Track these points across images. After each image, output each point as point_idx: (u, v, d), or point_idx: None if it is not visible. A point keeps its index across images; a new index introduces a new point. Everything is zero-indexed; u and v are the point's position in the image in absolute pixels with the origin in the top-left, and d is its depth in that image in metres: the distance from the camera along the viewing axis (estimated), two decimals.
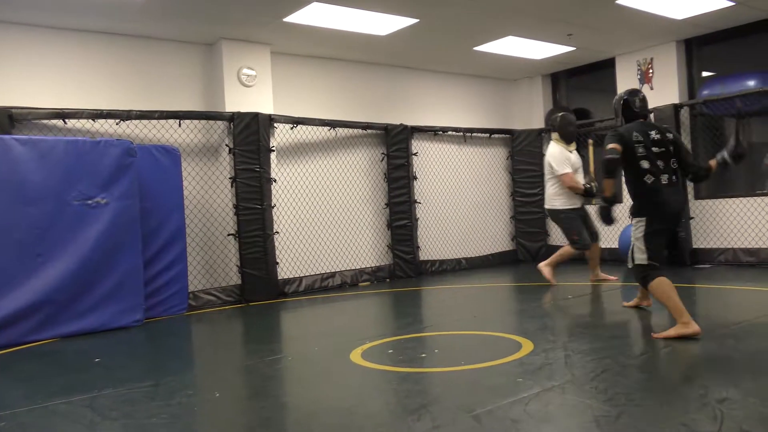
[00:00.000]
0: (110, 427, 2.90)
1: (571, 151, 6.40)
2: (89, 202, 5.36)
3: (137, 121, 6.24)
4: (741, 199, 7.55)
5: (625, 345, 4.00)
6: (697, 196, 7.94)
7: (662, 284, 4.05)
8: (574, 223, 6.33)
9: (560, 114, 6.57)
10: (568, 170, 6.26)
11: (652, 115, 8.00)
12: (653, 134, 4.23)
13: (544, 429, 2.52)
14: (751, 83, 7.24)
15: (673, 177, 4.20)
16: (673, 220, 4.28)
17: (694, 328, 3.92)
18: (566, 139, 6.42)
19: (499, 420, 2.65)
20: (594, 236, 6.45)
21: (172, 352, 4.76)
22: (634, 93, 4.48)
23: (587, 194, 6.24)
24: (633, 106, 4.44)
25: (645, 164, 4.15)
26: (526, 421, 2.62)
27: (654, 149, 4.19)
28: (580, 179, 6.38)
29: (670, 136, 4.29)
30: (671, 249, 4.56)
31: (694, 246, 7.82)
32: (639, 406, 2.76)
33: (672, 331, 3.97)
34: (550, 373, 3.30)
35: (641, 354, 3.77)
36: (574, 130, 6.52)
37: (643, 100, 4.49)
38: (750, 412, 2.55)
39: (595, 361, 3.50)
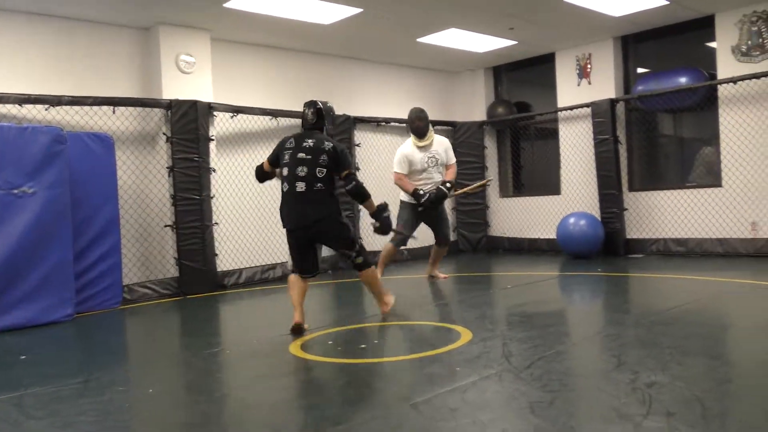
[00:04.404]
0: (36, 426, 2.77)
1: (420, 147, 6.07)
2: (15, 191, 5.10)
3: (68, 107, 5.98)
4: (672, 191, 7.83)
5: (560, 333, 4.09)
6: (631, 189, 8.21)
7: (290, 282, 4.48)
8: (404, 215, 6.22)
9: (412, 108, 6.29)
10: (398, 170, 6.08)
11: (589, 109, 8.23)
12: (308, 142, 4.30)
13: (481, 416, 2.55)
14: (683, 80, 7.50)
15: (311, 186, 4.23)
16: (300, 230, 4.30)
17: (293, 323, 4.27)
18: (416, 134, 6.12)
19: (437, 409, 2.66)
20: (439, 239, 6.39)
21: (104, 348, 4.60)
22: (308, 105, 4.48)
23: (415, 197, 6.02)
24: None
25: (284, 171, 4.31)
26: (464, 409, 2.64)
27: (299, 156, 4.25)
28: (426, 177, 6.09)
29: (325, 146, 4.28)
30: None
31: (628, 236, 8.08)
32: (572, 392, 2.83)
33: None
34: (488, 362, 3.34)
35: (575, 341, 3.87)
36: (420, 126, 6.06)
37: (313, 113, 4.43)
38: (676, 396, 2.64)
39: (531, 348, 3.56)
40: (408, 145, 6.15)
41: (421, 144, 6.05)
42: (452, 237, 9.51)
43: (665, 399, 2.61)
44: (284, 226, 4.40)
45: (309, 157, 4.23)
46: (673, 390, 2.72)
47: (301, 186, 4.20)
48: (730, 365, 3.31)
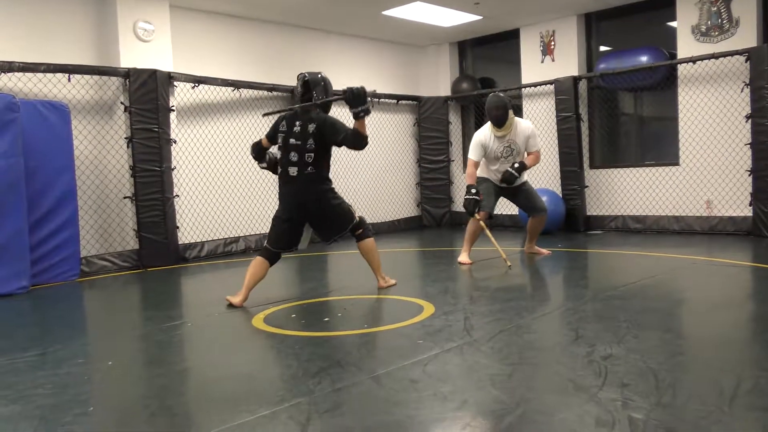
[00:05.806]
0: None
1: (498, 136, 5.75)
2: None
3: (20, 73, 5.77)
4: (630, 169, 7.99)
5: (521, 307, 4.15)
6: (592, 166, 8.34)
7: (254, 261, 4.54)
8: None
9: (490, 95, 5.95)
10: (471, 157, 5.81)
11: (552, 86, 8.29)
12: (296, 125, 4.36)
13: (442, 388, 2.58)
14: (644, 59, 7.61)
15: (302, 170, 4.33)
16: (295, 211, 4.43)
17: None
18: (494, 123, 5.76)
19: (398, 381, 2.69)
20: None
21: (61, 320, 4.50)
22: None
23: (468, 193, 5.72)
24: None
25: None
26: (425, 381, 2.67)
27: (291, 141, 4.35)
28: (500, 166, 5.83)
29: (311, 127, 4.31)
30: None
31: (588, 213, 8.23)
32: (531, 365, 2.88)
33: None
34: (450, 335, 3.39)
35: (535, 315, 3.94)
36: (498, 115, 5.70)
37: (301, 86, 4.43)
38: (631, 368, 2.72)
39: (492, 322, 3.62)
40: (485, 132, 5.81)
41: (499, 133, 5.73)
42: (417, 211, 9.64)
43: (620, 371, 2.68)
44: (279, 206, 4.54)
45: (298, 142, 4.33)
46: (627, 362, 2.80)
47: (293, 171, 4.35)
48: (683, 338, 3.42)
